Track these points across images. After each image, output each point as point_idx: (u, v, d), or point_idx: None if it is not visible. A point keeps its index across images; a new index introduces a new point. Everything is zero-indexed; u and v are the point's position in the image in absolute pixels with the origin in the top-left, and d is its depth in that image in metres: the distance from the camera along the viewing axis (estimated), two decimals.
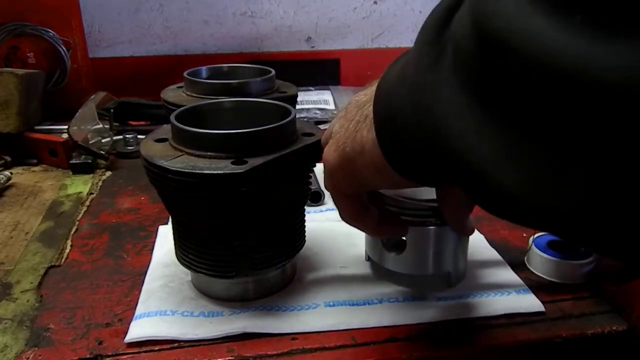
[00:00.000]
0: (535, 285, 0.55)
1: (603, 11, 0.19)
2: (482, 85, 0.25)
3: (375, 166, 0.36)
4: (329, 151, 0.41)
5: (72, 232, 0.68)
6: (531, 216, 0.24)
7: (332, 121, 0.45)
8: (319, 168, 0.49)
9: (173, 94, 0.72)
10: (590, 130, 0.20)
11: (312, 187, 0.51)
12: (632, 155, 0.19)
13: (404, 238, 0.52)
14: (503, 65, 0.23)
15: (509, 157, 0.24)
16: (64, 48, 1.04)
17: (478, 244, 0.62)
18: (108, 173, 0.87)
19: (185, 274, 0.56)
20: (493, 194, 0.25)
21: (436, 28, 0.29)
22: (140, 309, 0.52)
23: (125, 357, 0.47)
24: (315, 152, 0.49)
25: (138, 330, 0.49)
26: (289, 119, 0.49)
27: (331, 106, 1.14)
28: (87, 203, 0.76)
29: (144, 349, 0.47)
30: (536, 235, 0.60)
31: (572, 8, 0.20)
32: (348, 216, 0.46)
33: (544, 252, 0.57)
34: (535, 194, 0.23)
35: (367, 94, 0.39)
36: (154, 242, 0.64)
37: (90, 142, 0.89)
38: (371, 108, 0.36)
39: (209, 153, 0.46)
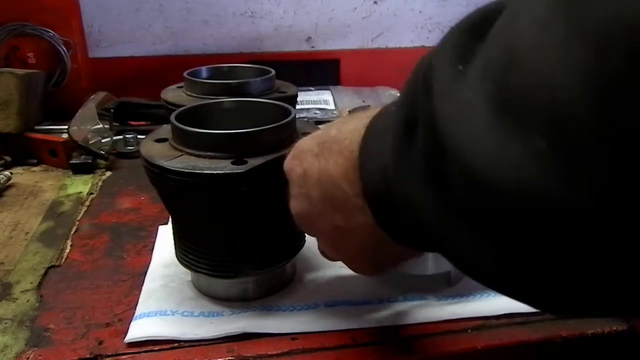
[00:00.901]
0: None
1: (574, 138, 0.19)
2: (455, 206, 0.26)
3: (396, 253, 0.40)
4: (362, 270, 0.45)
5: (72, 232, 0.68)
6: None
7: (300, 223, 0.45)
8: None
9: (173, 94, 0.72)
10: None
11: None
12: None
13: None
14: (478, 200, 0.23)
15: (489, 254, 0.25)
16: (64, 48, 1.04)
17: None
18: (108, 173, 0.87)
19: (185, 274, 0.56)
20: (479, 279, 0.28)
21: (402, 146, 0.29)
22: (140, 309, 0.52)
23: (125, 357, 0.47)
24: None
25: (138, 330, 0.49)
26: (289, 119, 0.49)
27: (331, 106, 1.14)
28: (87, 203, 0.76)
29: (144, 349, 0.47)
30: None
31: (540, 132, 0.20)
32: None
33: None
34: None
35: (339, 209, 0.39)
36: (154, 242, 0.64)
37: (90, 142, 0.89)
38: (372, 232, 0.37)
39: (209, 153, 0.46)
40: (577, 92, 0.18)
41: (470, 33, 0.26)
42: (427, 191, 0.27)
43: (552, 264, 0.22)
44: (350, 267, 0.45)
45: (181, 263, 0.53)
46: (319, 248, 0.48)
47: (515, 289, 0.26)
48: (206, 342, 0.48)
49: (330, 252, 0.46)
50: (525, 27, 0.21)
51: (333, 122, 0.44)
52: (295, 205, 0.43)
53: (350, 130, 0.38)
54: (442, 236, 0.28)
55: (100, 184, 0.83)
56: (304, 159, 0.41)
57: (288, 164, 0.44)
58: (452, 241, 0.27)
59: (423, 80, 0.27)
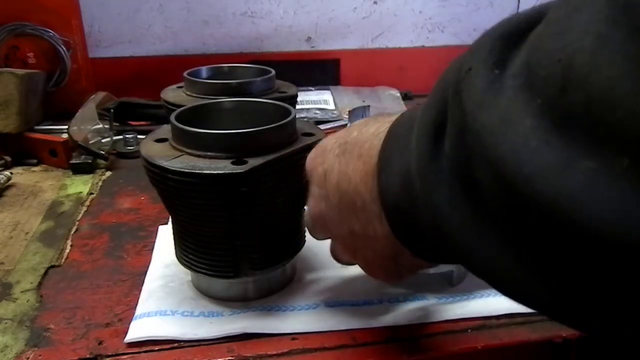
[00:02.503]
0: None
1: None
2: (510, 232, 0.24)
3: (414, 264, 0.40)
4: (377, 275, 0.44)
5: (72, 232, 0.68)
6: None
7: (311, 229, 0.47)
8: None
9: (173, 94, 0.72)
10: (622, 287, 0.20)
11: None
12: None
13: None
14: (543, 227, 0.21)
15: (533, 276, 0.24)
16: (64, 48, 1.04)
17: None
18: (108, 173, 0.87)
19: (185, 274, 0.56)
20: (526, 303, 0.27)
21: (429, 151, 0.28)
22: (140, 309, 0.52)
23: (125, 357, 0.47)
24: None
25: (138, 330, 0.49)
26: (289, 119, 0.49)
27: (331, 106, 1.14)
28: (87, 203, 0.76)
29: (144, 349, 0.47)
30: None
31: (619, 147, 0.18)
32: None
33: None
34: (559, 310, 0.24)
35: (357, 214, 0.38)
36: (154, 242, 0.64)
37: (90, 142, 0.89)
38: (390, 242, 0.37)
39: (209, 153, 0.46)
40: None
41: (507, 39, 0.25)
42: (455, 198, 0.26)
43: (612, 304, 0.21)
44: (366, 272, 0.45)
45: (181, 263, 0.53)
46: (331, 250, 0.48)
47: (553, 311, 0.25)
48: (206, 342, 0.48)
49: (344, 255, 0.45)
50: (576, 40, 0.20)
51: (357, 122, 0.43)
52: (314, 205, 0.43)
53: (371, 133, 0.37)
54: (468, 248, 0.26)
55: (100, 184, 0.83)
56: (325, 159, 0.41)
57: (310, 162, 0.44)
58: (480, 253, 0.25)
59: (455, 85, 0.26)
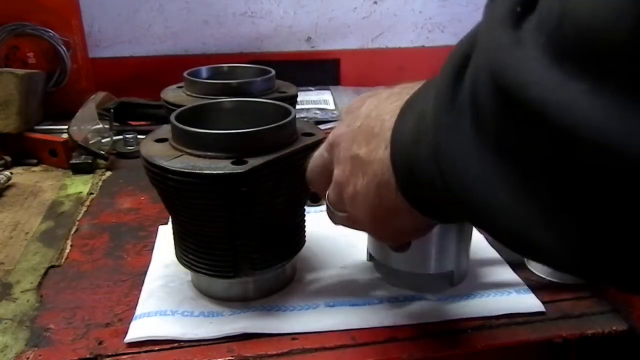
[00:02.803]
0: (535, 285, 0.55)
1: (633, 78, 0.19)
2: (512, 152, 0.25)
3: (415, 220, 0.39)
4: (356, 213, 0.41)
5: (72, 232, 0.68)
6: (566, 270, 0.26)
7: (318, 157, 0.45)
8: None
9: (173, 94, 0.72)
10: (616, 201, 0.21)
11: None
12: None
13: None
14: (536, 133, 0.23)
15: (545, 223, 0.24)
16: (64, 48, 1.04)
17: (478, 243, 0.62)
18: (108, 173, 0.87)
19: (185, 274, 0.56)
20: (534, 255, 0.27)
21: (450, 89, 0.29)
22: (140, 309, 0.52)
23: (125, 357, 0.47)
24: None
25: (138, 330, 0.49)
26: (289, 119, 0.49)
27: (331, 106, 1.14)
28: (87, 203, 0.76)
29: (144, 349, 0.47)
30: None
31: (608, 73, 0.20)
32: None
33: None
34: (569, 257, 0.24)
35: (367, 139, 0.38)
36: (154, 242, 0.64)
37: (90, 142, 0.89)
38: (385, 169, 0.36)
39: (209, 153, 0.46)
40: (630, 30, 0.19)
41: None
42: (460, 123, 0.27)
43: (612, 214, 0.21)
44: (349, 207, 0.43)
45: (181, 263, 0.53)
46: (327, 196, 0.46)
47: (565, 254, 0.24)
48: (206, 342, 0.48)
49: (338, 187, 0.43)
50: None
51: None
52: (336, 129, 0.43)
53: (417, 84, 0.38)
54: (466, 174, 0.27)
55: (100, 184, 0.83)
56: (366, 99, 0.42)
57: (352, 102, 0.44)
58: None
59: (476, 36, 0.27)
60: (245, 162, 0.45)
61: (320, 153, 0.45)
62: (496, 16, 0.26)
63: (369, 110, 0.40)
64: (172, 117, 0.49)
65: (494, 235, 0.29)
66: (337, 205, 0.44)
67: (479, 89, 0.26)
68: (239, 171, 0.44)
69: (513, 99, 0.23)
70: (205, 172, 0.44)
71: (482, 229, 0.29)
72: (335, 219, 0.46)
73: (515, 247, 0.27)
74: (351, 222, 0.44)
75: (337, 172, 0.43)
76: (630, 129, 0.19)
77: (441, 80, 0.30)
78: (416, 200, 0.35)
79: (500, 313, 0.51)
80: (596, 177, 0.21)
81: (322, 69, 1.28)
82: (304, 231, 0.56)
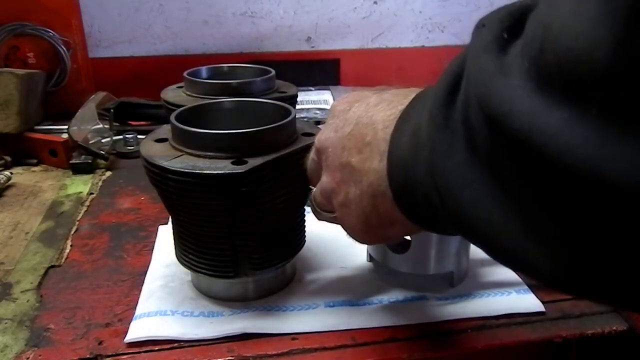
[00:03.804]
0: (535, 285, 0.55)
1: (617, 103, 0.19)
2: (503, 175, 0.25)
3: (409, 229, 0.40)
4: (348, 220, 0.42)
5: (72, 232, 0.68)
6: (558, 289, 0.26)
7: (310, 160, 0.45)
8: None
9: (173, 94, 0.72)
10: (600, 223, 0.21)
11: (312, 187, 0.51)
12: (632, 246, 0.21)
13: (408, 238, 0.52)
14: (524, 160, 0.23)
15: (535, 241, 0.25)
16: (64, 48, 1.04)
17: None
18: (108, 173, 0.87)
19: (185, 274, 0.56)
20: (525, 272, 0.27)
21: (443, 109, 0.29)
22: (140, 309, 0.52)
23: (125, 357, 0.47)
24: None
25: (138, 330, 0.49)
26: (289, 119, 0.49)
27: None
28: (87, 203, 0.76)
29: (144, 349, 0.47)
30: None
31: (588, 100, 0.20)
32: None
33: None
34: (559, 276, 0.24)
35: (359, 148, 0.39)
36: (154, 242, 0.64)
37: (90, 142, 0.89)
38: (382, 181, 0.36)
39: (209, 153, 0.46)
40: (608, 59, 0.19)
41: (521, 11, 0.26)
42: (454, 144, 0.28)
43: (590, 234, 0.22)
44: (338, 215, 0.43)
45: (181, 263, 0.53)
46: (313, 196, 0.47)
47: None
48: (206, 342, 0.48)
49: (326, 192, 0.43)
50: (562, 5, 0.22)
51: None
52: (322, 133, 0.43)
53: (410, 90, 0.38)
54: (458, 190, 0.27)
55: (100, 184, 0.83)
56: (353, 103, 0.42)
57: (336, 103, 0.44)
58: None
59: (465, 57, 0.28)
60: (245, 162, 0.45)
61: (311, 156, 0.46)
62: (482, 42, 0.26)
63: (357, 116, 0.40)
64: (172, 117, 0.49)
65: (489, 253, 0.29)
66: (325, 207, 0.45)
67: (470, 113, 0.27)
68: (239, 171, 0.44)
69: (500, 127, 0.24)
70: (205, 172, 0.44)
71: (477, 245, 0.30)
72: (321, 217, 0.47)
73: (509, 265, 0.28)
74: (338, 223, 0.45)
75: (325, 179, 0.43)
76: (612, 156, 0.19)
77: (434, 98, 0.30)
78: (413, 213, 0.36)
79: (500, 313, 0.51)
80: (582, 202, 0.21)
81: (322, 69, 1.28)
82: (304, 231, 0.56)
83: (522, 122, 0.22)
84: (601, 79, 0.19)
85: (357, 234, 0.43)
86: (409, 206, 0.35)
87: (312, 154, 0.45)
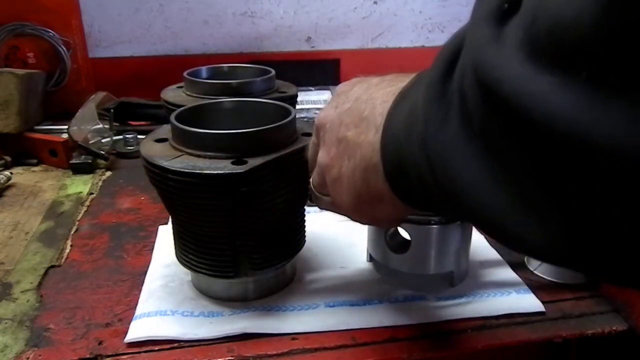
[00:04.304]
0: (535, 285, 0.55)
1: (603, 68, 0.20)
2: (493, 143, 0.26)
3: (397, 209, 0.39)
4: (339, 195, 0.41)
5: (72, 232, 0.68)
6: (548, 260, 0.27)
7: (310, 144, 0.45)
8: None
9: (173, 94, 0.72)
10: (588, 188, 0.22)
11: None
12: (617, 208, 0.21)
13: (408, 238, 0.52)
14: (513, 125, 0.24)
15: (523, 210, 0.25)
16: (64, 48, 1.04)
17: (478, 244, 0.62)
18: (108, 173, 0.87)
19: (185, 274, 0.56)
20: (512, 243, 0.27)
21: (441, 81, 0.30)
22: (140, 309, 0.52)
23: (125, 357, 0.47)
24: None
25: (138, 330, 0.49)
26: (289, 119, 0.49)
27: None
28: (87, 203, 0.76)
29: (144, 349, 0.47)
30: None
31: (576, 65, 0.20)
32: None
33: None
34: (546, 244, 0.24)
35: (356, 122, 0.39)
36: (154, 242, 0.64)
37: (90, 142, 0.89)
38: (375, 153, 0.36)
39: (209, 153, 0.46)
40: (593, 25, 0.20)
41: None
42: (447, 114, 0.28)
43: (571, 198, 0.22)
44: (332, 192, 0.42)
45: (181, 263, 0.53)
46: (311, 180, 0.46)
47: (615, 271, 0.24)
48: (206, 342, 0.48)
49: (321, 170, 0.43)
50: None
51: None
52: (322, 111, 0.43)
53: (409, 74, 0.38)
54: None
55: (100, 184, 0.83)
56: (356, 84, 0.42)
57: (340, 85, 0.44)
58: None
59: (464, 39, 0.28)
60: (245, 162, 0.45)
61: (312, 140, 0.46)
62: (482, 13, 0.26)
63: (358, 94, 0.40)
64: (172, 117, 0.49)
65: (476, 224, 0.29)
66: (320, 188, 0.44)
67: (465, 82, 0.27)
68: (239, 171, 0.44)
69: (491, 94, 0.24)
70: (205, 172, 0.44)
71: (465, 218, 0.30)
72: (320, 203, 0.46)
73: (496, 236, 0.28)
74: (336, 208, 0.44)
75: (321, 154, 0.43)
76: (597, 119, 0.20)
77: (432, 73, 0.31)
78: (400, 189, 0.36)
79: (500, 313, 0.51)
80: (571, 168, 0.22)
81: (322, 69, 1.28)
82: (304, 231, 0.56)
83: (511, 87, 0.23)
84: (588, 45, 0.20)
85: (348, 211, 0.42)
86: (399, 181, 0.35)
87: (313, 137, 0.45)
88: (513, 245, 0.27)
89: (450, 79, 0.29)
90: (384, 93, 0.38)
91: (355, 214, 0.43)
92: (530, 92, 0.22)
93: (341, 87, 0.44)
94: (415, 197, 0.35)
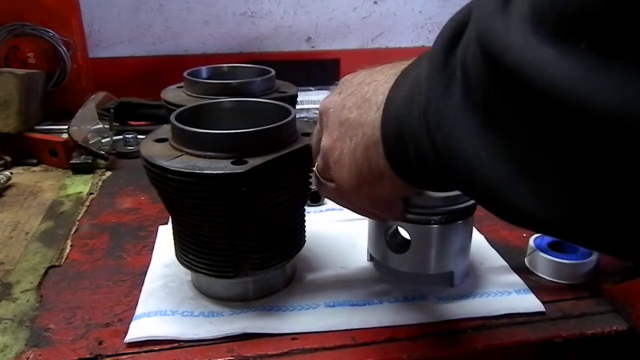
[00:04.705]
0: (535, 285, 0.55)
1: (605, 37, 0.20)
2: (495, 112, 0.26)
3: (397, 188, 0.39)
4: (341, 176, 0.41)
5: (72, 232, 0.68)
6: (547, 231, 0.27)
7: (314, 132, 0.45)
8: None
9: (173, 94, 0.72)
10: (591, 157, 0.22)
11: (312, 187, 0.51)
12: (619, 176, 0.21)
13: (408, 237, 0.52)
14: (515, 94, 0.24)
15: (523, 180, 0.25)
16: (64, 48, 1.04)
17: (478, 244, 0.62)
18: (108, 173, 0.87)
19: (185, 274, 0.56)
20: (511, 214, 0.27)
21: (444, 54, 0.30)
22: (140, 309, 0.52)
23: (125, 357, 0.47)
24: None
25: (138, 330, 0.49)
26: (289, 119, 0.49)
27: None
28: (87, 203, 0.76)
29: (144, 349, 0.47)
30: (536, 235, 0.60)
31: (578, 35, 0.21)
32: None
33: (544, 252, 0.57)
34: (546, 214, 0.25)
35: (358, 104, 0.39)
36: (154, 242, 0.64)
37: (90, 142, 0.89)
38: (375, 130, 0.37)
39: (209, 153, 0.46)
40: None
41: None
42: (450, 87, 0.28)
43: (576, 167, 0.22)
44: (335, 173, 0.42)
45: (181, 263, 0.53)
46: (315, 167, 0.46)
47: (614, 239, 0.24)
48: (206, 342, 0.48)
49: (325, 154, 0.43)
50: None
51: None
52: (326, 98, 0.44)
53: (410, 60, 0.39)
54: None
55: (100, 184, 0.83)
56: (360, 72, 0.42)
57: (346, 76, 0.45)
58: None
59: (469, 12, 0.29)
60: (245, 162, 0.45)
61: (316, 127, 0.46)
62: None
63: (361, 79, 0.41)
64: (172, 117, 0.49)
65: (475, 196, 0.29)
66: (324, 173, 0.45)
67: (468, 52, 0.27)
68: (239, 171, 0.44)
69: (494, 63, 0.24)
70: (205, 172, 0.44)
71: (461, 188, 0.30)
72: (323, 190, 0.46)
73: (495, 209, 0.28)
74: (338, 194, 0.44)
75: (324, 139, 0.43)
76: (600, 88, 0.20)
77: (435, 46, 0.31)
78: (400, 166, 0.36)
79: (500, 313, 0.51)
80: (573, 136, 0.22)
81: (322, 69, 1.28)
82: (304, 231, 0.56)
83: (514, 56, 0.23)
84: (589, 15, 0.20)
85: (350, 192, 0.42)
86: (398, 157, 0.35)
87: (317, 125, 0.46)
88: (512, 217, 0.27)
89: (453, 50, 0.29)
90: (387, 75, 0.38)
91: (357, 196, 0.43)
92: (531, 61, 0.22)
93: (346, 76, 0.44)
94: (415, 173, 0.35)
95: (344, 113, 0.40)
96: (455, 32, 0.29)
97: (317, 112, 0.45)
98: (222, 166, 0.44)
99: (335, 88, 0.44)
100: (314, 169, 0.47)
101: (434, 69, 0.30)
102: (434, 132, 0.30)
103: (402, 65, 0.38)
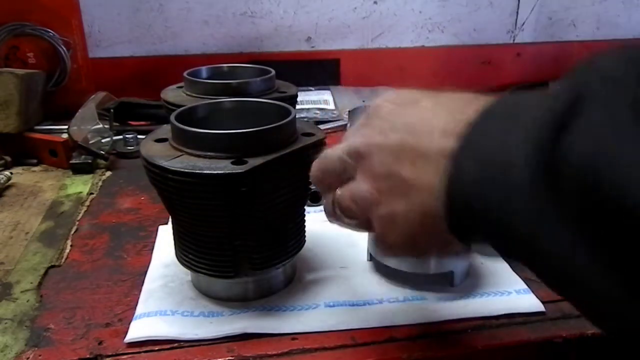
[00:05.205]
0: (535, 286, 0.55)
1: None
2: (598, 236, 0.24)
3: (448, 244, 0.38)
4: (388, 234, 0.38)
5: (72, 232, 0.68)
6: None
7: (336, 159, 0.40)
8: None
9: (173, 94, 0.71)
10: None
11: (312, 187, 0.51)
12: None
13: None
14: (633, 236, 0.22)
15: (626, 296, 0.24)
16: (64, 48, 1.03)
17: None
18: (108, 173, 0.87)
19: (185, 274, 0.56)
20: (607, 328, 0.27)
21: (545, 152, 0.26)
22: (140, 309, 0.52)
23: (125, 357, 0.47)
24: (315, 152, 0.49)
25: (138, 330, 0.49)
26: (289, 119, 0.49)
27: (331, 106, 1.14)
28: (87, 203, 0.76)
29: (144, 349, 0.47)
30: None
31: None
32: None
33: None
34: None
35: (412, 159, 0.35)
36: (154, 242, 0.64)
37: (90, 142, 0.89)
38: (433, 198, 0.33)
39: (209, 153, 0.46)
40: None
41: None
42: (549, 202, 0.26)
43: None
44: (380, 229, 0.38)
45: (181, 263, 0.53)
46: (337, 199, 0.41)
47: None
48: (206, 342, 0.48)
49: (363, 201, 0.38)
50: None
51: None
52: (363, 134, 0.38)
53: (464, 98, 0.34)
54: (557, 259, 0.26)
55: (100, 184, 0.83)
56: (402, 105, 0.38)
57: (380, 102, 0.40)
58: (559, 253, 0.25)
59: (583, 85, 0.26)
60: (245, 162, 0.45)
61: (338, 156, 0.40)
62: (622, 94, 0.24)
63: (410, 122, 0.36)
64: (172, 117, 0.49)
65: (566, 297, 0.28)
66: (351, 214, 0.40)
67: (575, 168, 0.24)
68: (239, 171, 0.44)
69: (608, 200, 0.22)
70: (205, 172, 0.44)
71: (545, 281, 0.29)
72: (338, 221, 0.42)
73: (592, 315, 0.27)
74: (361, 230, 0.41)
75: (363, 186, 0.38)
76: None
77: (533, 127, 0.27)
78: (466, 238, 0.34)
79: (500, 313, 0.51)
80: None
81: (322, 69, 1.28)
82: (304, 231, 0.56)
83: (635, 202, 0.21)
84: None
85: (401, 251, 0.40)
86: (465, 230, 0.33)
87: (342, 155, 0.40)
88: (612, 330, 0.26)
89: (558, 146, 0.25)
90: (444, 125, 0.34)
91: (408, 253, 0.41)
92: None
93: (383, 106, 0.39)
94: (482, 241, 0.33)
95: (393, 165, 0.36)
96: (565, 110, 0.26)
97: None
98: (222, 166, 0.44)
99: (368, 120, 0.39)
100: (328, 199, 0.42)
101: (536, 179, 0.26)
102: (518, 236, 0.28)
103: (460, 114, 0.32)
